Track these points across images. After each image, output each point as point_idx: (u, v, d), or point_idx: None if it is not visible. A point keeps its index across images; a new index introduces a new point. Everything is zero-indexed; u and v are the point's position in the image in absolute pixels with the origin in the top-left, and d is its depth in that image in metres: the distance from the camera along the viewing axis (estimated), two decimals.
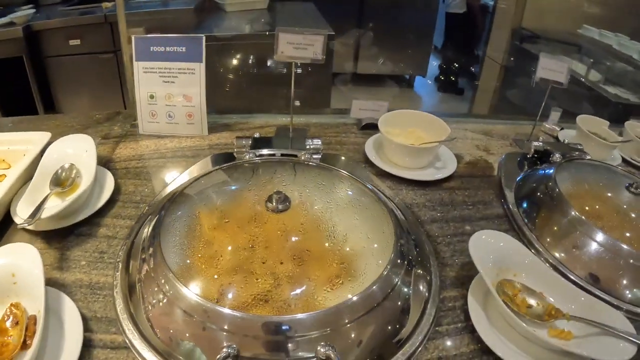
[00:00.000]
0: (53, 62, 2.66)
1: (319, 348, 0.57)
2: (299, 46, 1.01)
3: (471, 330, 0.68)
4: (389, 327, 0.65)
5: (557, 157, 1.06)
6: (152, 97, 1.14)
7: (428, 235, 0.88)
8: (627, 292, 0.77)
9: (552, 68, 1.15)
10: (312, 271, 0.66)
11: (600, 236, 0.82)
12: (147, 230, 0.76)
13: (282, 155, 0.95)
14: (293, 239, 0.71)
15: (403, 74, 4.54)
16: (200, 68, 1.11)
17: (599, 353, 0.61)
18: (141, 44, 1.11)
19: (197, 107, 1.14)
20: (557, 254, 0.85)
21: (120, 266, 0.76)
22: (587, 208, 0.92)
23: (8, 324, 0.62)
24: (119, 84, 2.53)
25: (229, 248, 0.69)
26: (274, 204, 0.74)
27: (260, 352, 0.59)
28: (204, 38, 1.09)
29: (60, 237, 0.84)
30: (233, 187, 0.84)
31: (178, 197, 0.78)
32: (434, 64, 4.48)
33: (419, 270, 0.74)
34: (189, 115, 1.15)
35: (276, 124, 1.26)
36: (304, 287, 0.65)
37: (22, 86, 2.61)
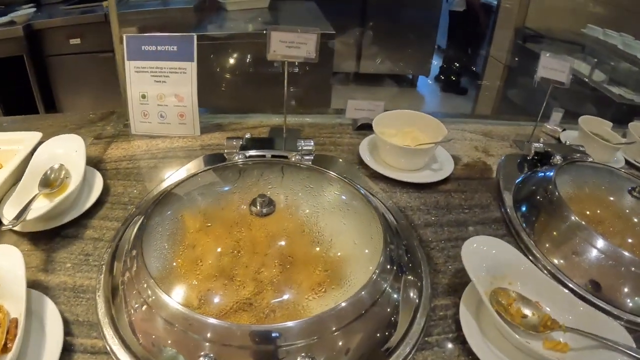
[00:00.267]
0: (54, 61, 2.65)
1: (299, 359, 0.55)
2: (291, 45, 0.98)
3: (462, 341, 0.65)
4: (376, 337, 0.62)
5: (558, 159, 1.03)
6: (143, 96, 1.12)
7: (421, 240, 0.85)
8: (628, 301, 0.75)
9: (553, 67, 1.12)
10: (296, 277, 0.64)
11: (600, 242, 0.79)
12: (131, 233, 0.74)
13: (272, 156, 0.92)
14: (277, 243, 0.69)
15: (406, 74, 4.50)
16: (191, 67, 1.09)
17: None
18: (133, 43, 1.09)
19: (188, 107, 1.12)
20: (555, 261, 0.82)
21: (104, 269, 0.74)
22: (587, 213, 0.89)
23: None
24: (119, 83, 2.51)
25: (211, 253, 0.67)
26: (258, 207, 0.72)
27: None
28: (195, 37, 1.07)
29: (47, 239, 0.82)
30: (218, 190, 0.81)
31: (162, 199, 0.76)
32: (435, 63, 4.44)
33: (410, 277, 0.71)
34: (181, 115, 1.13)
35: (270, 125, 1.24)
36: (286, 294, 0.63)
37: (23, 85, 2.60)
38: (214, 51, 2.32)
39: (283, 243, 0.69)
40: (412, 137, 1.09)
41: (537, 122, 1.21)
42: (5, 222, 0.80)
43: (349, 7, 3.73)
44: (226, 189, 0.82)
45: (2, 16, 2.49)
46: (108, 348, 0.62)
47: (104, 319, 0.66)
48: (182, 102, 1.12)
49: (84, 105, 2.76)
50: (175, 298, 0.60)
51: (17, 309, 0.63)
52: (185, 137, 1.15)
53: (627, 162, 1.21)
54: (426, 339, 0.67)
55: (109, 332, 0.64)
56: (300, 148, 0.95)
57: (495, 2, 3.33)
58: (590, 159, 1.05)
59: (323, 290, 0.62)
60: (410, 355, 0.63)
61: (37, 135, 1.02)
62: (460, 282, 0.76)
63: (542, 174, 1.01)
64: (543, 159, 1.08)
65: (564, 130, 1.33)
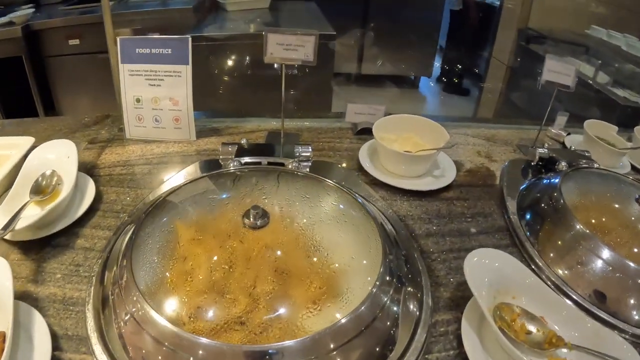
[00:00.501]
0: (52, 61, 2.64)
1: None
2: (289, 47, 0.96)
3: (464, 358, 0.63)
4: (374, 355, 0.60)
5: (563, 165, 1.00)
6: (138, 100, 1.10)
7: (422, 251, 0.83)
8: (634, 314, 0.72)
9: (558, 70, 1.09)
10: (291, 293, 0.61)
11: (606, 253, 0.76)
12: (121, 244, 0.72)
13: (268, 163, 0.90)
14: (271, 257, 0.66)
15: (408, 75, 4.47)
16: (186, 70, 1.07)
17: None
18: (127, 45, 1.06)
19: (184, 111, 1.09)
20: (560, 271, 0.79)
21: (93, 281, 0.72)
22: (593, 221, 0.86)
23: None
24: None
25: (203, 266, 0.64)
26: (252, 219, 0.69)
27: None
28: (189, 39, 1.05)
29: (37, 248, 0.80)
30: (211, 200, 0.79)
31: (153, 209, 0.73)
32: (437, 65, 4.41)
33: (410, 292, 0.68)
34: (176, 119, 1.10)
35: (268, 129, 1.21)
36: (281, 311, 0.60)
37: (22, 86, 2.58)
38: (212, 52, 2.30)
39: (278, 257, 0.66)
40: (413, 143, 1.06)
41: (541, 126, 1.18)
42: None
43: (350, 8, 3.70)
44: (219, 199, 0.79)
45: (1, 17, 2.47)
46: None
47: (93, 333, 0.64)
48: (177, 106, 1.09)
49: (83, 106, 2.74)
50: (164, 314, 0.58)
51: (4, 323, 0.61)
52: (181, 141, 1.13)
53: (633, 167, 1.18)
54: (426, 356, 0.64)
55: (97, 348, 0.61)
56: (297, 154, 0.92)
57: (498, 2, 3.31)
58: (596, 165, 1.02)
59: (318, 308, 0.60)
60: None
61: (29, 141, 1.01)
62: (462, 295, 0.73)
63: (547, 180, 0.98)
64: (548, 164, 1.05)
65: (569, 134, 1.30)
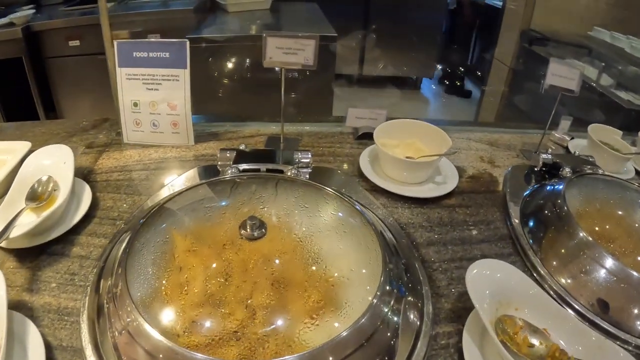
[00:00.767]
0: (53, 63, 2.63)
1: None
2: (288, 51, 0.95)
3: None
4: None
5: (567, 171, 0.99)
6: (135, 104, 1.09)
7: (423, 260, 0.81)
8: (639, 324, 0.70)
9: (562, 74, 1.08)
10: (289, 306, 0.60)
11: (610, 262, 0.75)
12: (117, 253, 0.71)
13: (267, 170, 0.88)
14: (269, 269, 0.65)
15: (410, 76, 4.45)
16: (184, 74, 1.05)
17: None
18: (124, 49, 1.05)
19: (182, 115, 1.08)
20: (562, 280, 0.78)
21: (88, 291, 0.70)
22: (597, 229, 0.85)
23: None
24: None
25: (198, 278, 0.63)
26: (249, 230, 0.68)
27: None
28: (187, 43, 1.03)
29: (33, 256, 0.79)
30: (207, 209, 0.77)
31: (149, 218, 0.72)
32: (439, 67, 4.39)
33: (410, 304, 0.67)
34: (174, 124, 1.09)
35: (268, 133, 1.20)
36: (279, 324, 0.59)
37: (22, 87, 2.58)
38: (213, 54, 2.29)
39: (275, 268, 0.65)
40: (415, 149, 1.05)
41: (545, 131, 1.17)
42: None
43: (351, 9, 3.69)
44: (216, 207, 0.78)
45: (1, 17, 2.46)
46: None
47: (87, 345, 0.62)
48: (175, 110, 1.08)
49: (83, 107, 2.74)
50: (158, 327, 0.56)
51: None
52: (179, 146, 1.12)
53: (637, 172, 1.17)
54: None
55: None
56: (297, 161, 0.91)
57: (497, 2, 3.29)
58: (600, 171, 1.00)
59: (317, 322, 0.58)
60: None
61: (26, 145, 0.99)
62: (464, 307, 0.71)
63: (551, 187, 0.96)
64: (551, 170, 1.04)
65: (573, 138, 1.29)
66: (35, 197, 0.87)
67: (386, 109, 1.20)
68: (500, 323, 0.64)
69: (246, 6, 2.69)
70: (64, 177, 0.91)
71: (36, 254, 0.79)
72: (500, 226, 0.92)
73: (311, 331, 0.57)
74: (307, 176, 0.89)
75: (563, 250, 0.81)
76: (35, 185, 0.89)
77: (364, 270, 0.67)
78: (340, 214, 0.76)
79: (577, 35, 2.46)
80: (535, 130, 1.34)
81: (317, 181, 0.83)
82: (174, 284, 0.62)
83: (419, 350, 0.62)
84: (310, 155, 0.92)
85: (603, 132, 1.20)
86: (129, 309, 0.59)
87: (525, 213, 0.94)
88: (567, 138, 1.29)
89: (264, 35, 0.93)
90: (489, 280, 0.67)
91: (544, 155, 1.05)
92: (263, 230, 0.68)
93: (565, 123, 1.30)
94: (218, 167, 0.91)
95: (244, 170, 0.89)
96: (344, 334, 0.56)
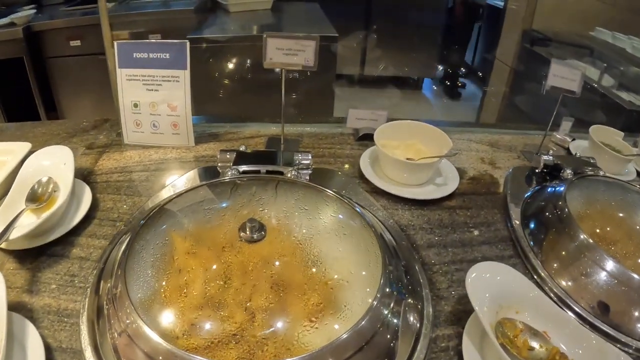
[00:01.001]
0: (54, 63, 2.63)
1: None
2: (289, 52, 0.94)
3: None
4: None
5: (568, 172, 0.98)
6: (136, 105, 1.09)
7: (423, 262, 0.81)
8: (639, 327, 0.70)
9: (564, 75, 1.07)
10: (288, 308, 0.60)
11: (611, 264, 0.74)
12: (116, 254, 0.71)
13: (267, 172, 0.88)
14: (268, 271, 0.65)
15: (411, 76, 4.45)
16: (184, 75, 1.05)
17: None
18: (124, 50, 1.05)
19: (182, 116, 1.08)
20: (563, 283, 0.77)
21: (88, 293, 0.70)
22: (598, 231, 0.85)
23: None
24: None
25: (198, 280, 0.63)
26: (248, 232, 0.68)
27: None
28: (187, 44, 1.03)
29: (32, 257, 0.79)
30: (207, 211, 0.77)
31: (149, 220, 0.72)
32: (440, 68, 4.38)
33: (409, 305, 0.67)
34: (174, 125, 1.09)
35: (268, 134, 1.20)
36: (278, 327, 0.59)
37: (23, 87, 2.58)
38: (214, 54, 2.29)
39: (274, 271, 0.65)
40: (415, 150, 1.04)
41: (546, 132, 1.16)
42: None
43: (353, 9, 3.68)
44: (216, 209, 0.78)
45: (2, 17, 2.46)
46: None
47: (86, 346, 0.62)
48: (175, 111, 1.08)
49: (84, 107, 2.74)
50: (157, 329, 0.56)
51: None
52: (179, 147, 1.12)
53: (638, 174, 1.16)
54: None
55: None
56: (297, 162, 0.91)
57: (501, 3, 3.28)
58: (602, 173, 1.00)
59: (316, 324, 0.58)
60: None
61: (26, 146, 0.99)
62: (464, 309, 0.71)
63: (552, 189, 0.96)
64: (552, 172, 1.03)
65: (574, 139, 1.28)
66: (35, 198, 0.87)
67: (387, 109, 1.20)
68: (500, 326, 0.64)
69: (247, 6, 2.68)
70: (64, 178, 0.91)
71: (36, 255, 0.79)
72: (501, 228, 0.92)
73: (310, 334, 0.57)
74: (307, 178, 0.88)
75: (564, 253, 0.81)
76: (35, 187, 0.89)
77: (363, 273, 0.67)
78: (340, 216, 0.76)
79: (579, 35, 2.45)
80: (536, 131, 1.34)
81: (317, 183, 0.83)
82: (173, 286, 0.62)
83: (419, 352, 0.62)
84: (310, 157, 0.92)
85: (604, 134, 1.20)
86: (128, 311, 0.59)
87: (526, 215, 0.93)
88: (569, 139, 1.29)
89: (264, 36, 0.93)
90: (489, 283, 0.67)
91: (545, 157, 1.04)
92: (262, 232, 0.68)
93: (566, 124, 1.30)
94: (218, 169, 0.91)
95: (244, 172, 0.88)
96: (343, 336, 0.56)
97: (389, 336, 0.61)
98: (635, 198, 0.92)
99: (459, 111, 4.09)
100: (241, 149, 0.94)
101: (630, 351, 0.68)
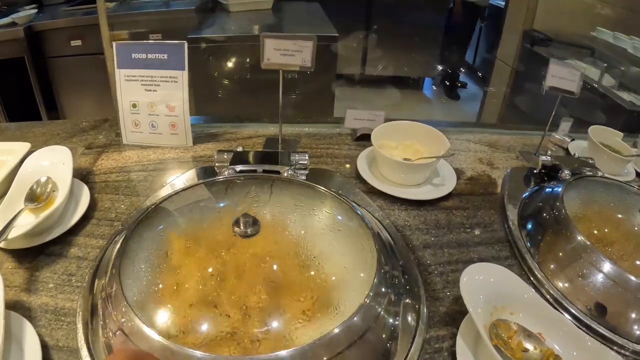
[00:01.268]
0: (55, 62, 2.64)
1: None
2: (286, 53, 0.95)
3: None
4: None
5: (566, 173, 0.98)
6: (134, 106, 1.09)
7: (419, 263, 0.81)
8: (636, 329, 0.70)
9: (563, 76, 1.07)
10: (282, 304, 0.60)
11: (607, 266, 0.74)
12: (111, 254, 0.71)
13: (264, 171, 0.88)
14: (263, 267, 0.65)
15: (411, 76, 4.44)
16: (182, 76, 1.05)
17: None
18: (123, 51, 1.05)
19: (180, 117, 1.08)
20: (559, 284, 0.77)
21: (84, 292, 0.70)
22: (595, 232, 0.84)
23: None
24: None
25: (193, 277, 0.63)
26: (242, 227, 0.68)
27: None
28: (185, 45, 1.03)
29: (31, 256, 0.79)
30: (203, 209, 0.77)
31: (144, 219, 0.72)
32: (440, 68, 4.37)
33: (404, 305, 0.67)
34: (173, 125, 1.09)
35: (266, 134, 1.20)
36: (273, 322, 0.59)
37: (24, 87, 2.59)
38: (214, 54, 2.29)
39: (269, 267, 0.65)
40: (413, 150, 1.04)
41: (545, 132, 1.16)
42: None
43: (353, 9, 3.68)
44: (211, 207, 0.78)
45: (3, 17, 2.47)
46: None
47: (82, 345, 0.63)
48: (173, 111, 1.08)
49: (85, 106, 2.74)
50: (152, 326, 0.56)
51: None
52: (178, 147, 1.12)
53: (638, 174, 1.16)
54: None
55: None
56: (294, 162, 0.91)
57: (502, 3, 3.27)
58: (600, 174, 1.00)
59: (309, 319, 0.58)
60: None
61: (25, 146, 1.00)
62: (459, 310, 0.71)
63: (550, 189, 0.96)
64: (551, 172, 1.03)
65: (573, 140, 1.28)
66: (34, 198, 0.87)
67: (385, 110, 1.20)
68: (495, 327, 0.64)
69: (248, 6, 2.68)
70: (63, 178, 0.91)
71: (34, 255, 0.79)
72: (498, 229, 0.92)
73: (304, 329, 0.57)
74: (304, 178, 0.88)
75: (560, 254, 0.81)
76: (34, 186, 0.89)
77: (359, 271, 0.66)
78: (335, 215, 0.76)
79: (580, 35, 2.45)
80: (535, 131, 1.33)
81: (314, 183, 0.83)
82: (168, 283, 0.62)
83: (413, 353, 0.62)
84: (307, 157, 0.92)
85: (604, 134, 1.19)
86: (123, 309, 0.59)
87: (523, 216, 0.93)
88: (568, 139, 1.28)
89: (261, 36, 0.93)
90: (484, 284, 0.67)
91: (543, 157, 1.04)
92: (256, 227, 0.68)
93: (565, 124, 1.29)
94: (215, 168, 0.91)
95: (241, 171, 0.88)
96: (335, 332, 0.55)
97: (382, 335, 0.61)
98: (633, 199, 0.92)
99: (459, 111, 4.08)
100: (238, 149, 0.94)
101: (627, 353, 0.68)
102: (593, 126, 1.20)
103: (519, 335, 0.64)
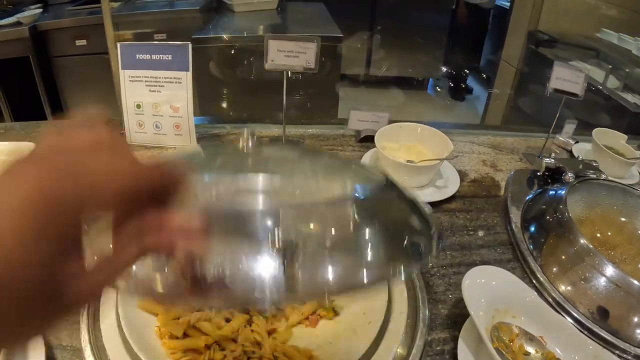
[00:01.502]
0: (59, 62, 2.65)
1: None
2: (290, 54, 0.95)
3: None
4: None
5: (569, 176, 0.98)
6: (138, 106, 1.09)
7: None
8: (638, 333, 0.70)
9: (567, 78, 1.07)
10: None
11: (610, 270, 0.74)
12: None
13: None
14: None
15: (416, 77, 4.42)
16: (186, 77, 1.05)
17: None
18: (127, 51, 1.06)
19: (184, 117, 1.09)
20: (562, 287, 0.77)
21: None
22: (598, 236, 0.84)
23: None
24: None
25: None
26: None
27: None
28: (189, 46, 1.04)
29: None
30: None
31: None
32: (444, 69, 4.36)
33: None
34: (177, 126, 1.10)
35: (270, 135, 1.20)
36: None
37: (29, 86, 2.60)
38: (219, 55, 2.29)
39: None
40: (416, 152, 1.04)
41: (549, 134, 1.16)
42: None
43: (358, 9, 3.67)
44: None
45: (8, 17, 2.48)
46: None
47: (86, 345, 0.63)
48: (177, 112, 1.08)
49: (90, 106, 2.74)
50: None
51: None
52: (182, 148, 1.12)
53: None
54: None
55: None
56: None
57: (507, 4, 3.26)
58: (604, 176, 0.99)
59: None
60: None
61: (29, 146, 0.99)
62: (460, 313, 0.71)
63: (553, 192, 0.96)
64: (554, 174, 1.03)
65: (577, 142, 1.28)
66: None
67: (389, 111, 1.20)
68: (496, 330, 0.64)
69: (252, 6, 2.68)
70: None
71: None
72: (501, 231, 0.92)
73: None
74: None
75: (563, 257, 0.81)
76: None
77: None
78: None
79: (585, 37, 2.43)
80: (539, 133, 1.33)
81: None
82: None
83: (414, 355, 0.62)
84: None
85: (608, 136, 1.19)
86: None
87: (526, 218, 0.93)
88: (572, 142, 1.28)
89: (265, 37, 0.93)
90: (486, 287, 0.67)
91: (547, 160, 1.04)
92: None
93: (569, 127, 1.29)
94: None
95: None
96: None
97: None
98: (637, 202, 0.91)
99: (463, 113, 4.07)
100: None
101: (629, 357, 0.68)
102: (597, 128, 1.20)
103: (521, 339, 0.64)
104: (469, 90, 4.24)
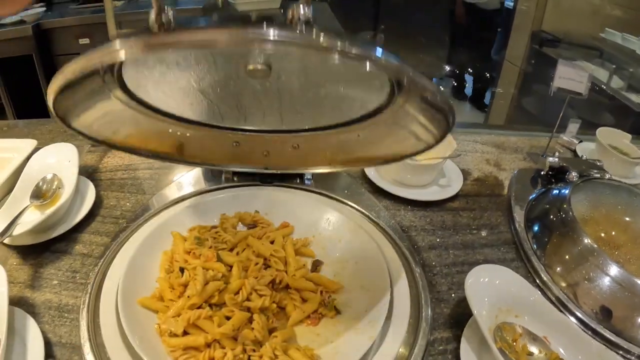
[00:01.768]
0: (63, 60, 2.62)
1: None
2: None
3: None
4: None
5: (573, 175, 0.97)
6: None
7: (424, 264, 0.80)
8: None
9: (570, 77, 1.06)
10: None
11: (614, 269, 0.73)
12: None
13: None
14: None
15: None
16: None
17: None
18: None
19: None
20: (565, 287, 0.77)
21: (88, 289, 0.71)
22: (602, 235, 0.84)
23: None
24: None
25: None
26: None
27: None
28: None
29: (36, 253, 0.80)
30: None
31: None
32: (448, 69, 4.34)
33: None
34: None
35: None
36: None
37: (33, 85, 2.60)
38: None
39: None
40: None
41: (552, 134, 1.15)
42: None
43: (361, 9, 3.66)
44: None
45: (12, 15, 2.48)
46: None
47: (85, 342, 0.63)
48: None
49: None
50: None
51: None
52: None
53: None
54: None
55: (90, 357, 0.61)
56: None
57: (511, 4, 3.24)
58: (608, 176, 0.99)
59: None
60: None
61: (31, 144, 1.00)
62: (463, 312, 0.71)
63: (557, 191, 0.95)
64: (558, 174, 1.02)
65: (581, 142, 1.27)
66: (39, 194, 0.88)
67: None
68: (500, 330, 0.63)
69: (256, 5, 2.68)
70: (69, 175, 0.91)
71: (39, 251, 0.80)
72: (504, 230, 0.91)
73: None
74: (310, 177, 0.88)
75: (567, 257, 0.80)
76: (40, 183, 0.89)
77: None
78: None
79: (589, 36, 2.42)
80: (543, 133, 1.32)
81: (321, 183, 0.82)
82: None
83: (416, 355, 0.62)
84: None
85: (612, 136, 1.18)
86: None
87: (530, 217, 0.93)
88: (575, 141, 1.27)
89: None
90: (489, 286, 0.66)
91: (550, 159, 1.03)
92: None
93: (573, 126, 1.28)
94: None
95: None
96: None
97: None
98: (638, 200, 0.91)
99: (467, 113, 4.05)
100: None
101: (633, 358, 0.67)
102: (601, 128, 1.19)
103: (524, 339, 0.64)
104: (475, 94, 4.22)
